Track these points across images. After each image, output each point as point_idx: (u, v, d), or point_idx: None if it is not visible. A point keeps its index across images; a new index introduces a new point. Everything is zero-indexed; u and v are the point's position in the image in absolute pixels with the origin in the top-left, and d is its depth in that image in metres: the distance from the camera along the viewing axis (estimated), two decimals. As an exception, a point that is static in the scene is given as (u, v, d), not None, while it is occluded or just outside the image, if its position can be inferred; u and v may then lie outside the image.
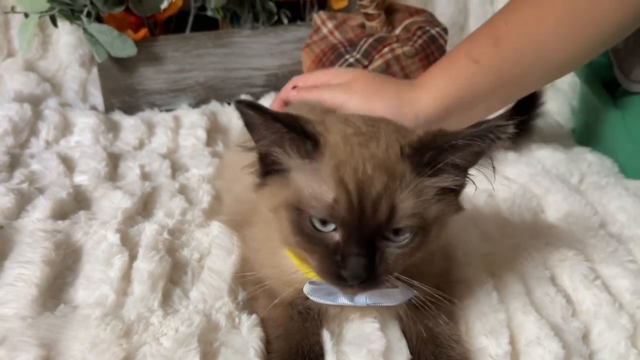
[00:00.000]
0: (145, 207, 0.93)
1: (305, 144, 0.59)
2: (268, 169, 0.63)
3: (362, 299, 0.64)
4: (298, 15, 1.49)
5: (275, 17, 1.44)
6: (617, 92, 1.20)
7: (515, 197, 0.99)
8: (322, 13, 1.32)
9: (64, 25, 1.43)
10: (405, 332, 0.68)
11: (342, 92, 0.97)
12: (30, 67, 1.51)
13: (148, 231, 0.82)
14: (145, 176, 1.07)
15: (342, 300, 0.64)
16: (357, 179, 0.57)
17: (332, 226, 0.58)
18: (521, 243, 0.85)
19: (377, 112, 0.83)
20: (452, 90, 0.96)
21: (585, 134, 1.31)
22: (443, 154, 0.58)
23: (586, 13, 0.90)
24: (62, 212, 0.87)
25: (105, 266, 0.73)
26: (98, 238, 0.80)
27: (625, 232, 0.91)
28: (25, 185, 0.95)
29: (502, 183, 1.04)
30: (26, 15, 1.31)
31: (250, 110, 0.58)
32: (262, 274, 0.71)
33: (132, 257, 0.76)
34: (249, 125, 0.60)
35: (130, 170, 1.08)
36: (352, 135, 0.61)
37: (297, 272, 0.67)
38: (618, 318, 0.73)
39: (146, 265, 0.73)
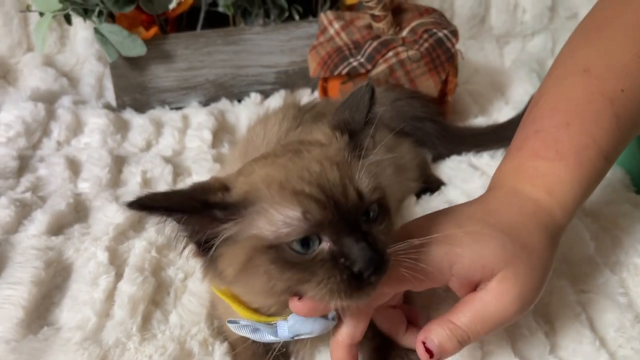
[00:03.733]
0: (140, 218, 0.95)
1: (230, 200, 0.55)
2: (206, 247, 0.57)
3: (285, 332, 0.62)
4: (310, 11, 1.47)
5: (287, 14, 1.42)
6: None
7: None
8: (329, 13, 1.30)
9: (79, 20, 1.45)
10: None
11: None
12: (48, 61, 1.54)
13: (137, 248, 0.84)
14: (146, 183, 1.10)
15: (268, 337, 0.63)
16: (309, 179, 0.55)
17: (316, 243, 0.54)
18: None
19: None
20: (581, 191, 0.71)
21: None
22: (363, 132, 0.61)
23: None
24: (58, 225, 0.90)
25: (91, 287, 0.76)
26: (88, 255, 0.83)
27: (622, 259, 0.88)
28: (28, 195, 0.98)
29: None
30: (41, 14, 1.34)
31: (158, 214, 0.54)
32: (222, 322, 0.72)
33: (118, 276, 0.78)
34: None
35: (132, 177, 1.11)
36: (274, 164, 0.58)
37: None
38: (597, 357, 0.72)
39: (128, 288, 0.76)
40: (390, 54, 1.18)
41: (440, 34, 1.19)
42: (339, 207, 0.54)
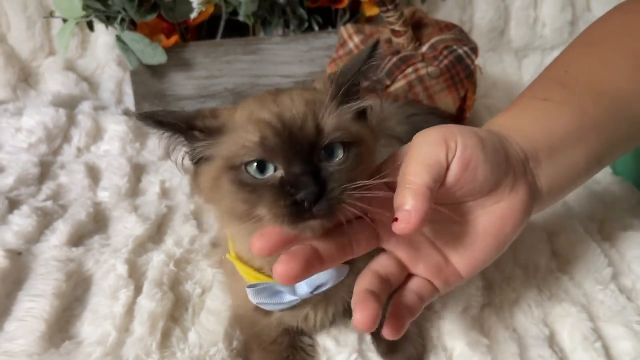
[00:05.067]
0: (158, 229, 0.97)
1: (212, 125, 0.62)
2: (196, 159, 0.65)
3: (304, 289, 0.68)
4: (329, 22, 1.47)
5: (306, 24, 1.43)
6: None
7: (529, 238, 0.96)
8: (349, 26, 1.30)
9: (101, 26, 1.46)
10: None
11: None
12: (69, 66, 1.56)
13: (155, 261, 0.85)
14: (164, 192, 1.11)
15: (287, 297, 0.68)
16: (276, 111, 0.61)
17: (271, 169, 0.60)
18: (523, 295, 0.84)
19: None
20: (534, 134, 0.70)
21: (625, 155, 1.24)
22: (352, 81, 0.63)
23: None
24: (79, 235, 0.92)
25: (111, 300, 0.78)
26: (108, 268, 0.84)
27: (638, 286, 0.88)
28: (49, 203, 1.00)
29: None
30: (64, 20, 1.36)
31: (151, 125, 0.61)
32: (234, 303, 0.79)
33: (138, 290, 0.80)
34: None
35: (151, 186, 1.12)
36: (257, 103, 0.64)
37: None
38: (612, 386, 0.72)
39: (148, 304, 0.77)
40: (410, 70, 1.18)
41: (460, 51, 1.19)
42: (293, 138, 0.59)
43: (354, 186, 0.59)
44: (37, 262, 0.84)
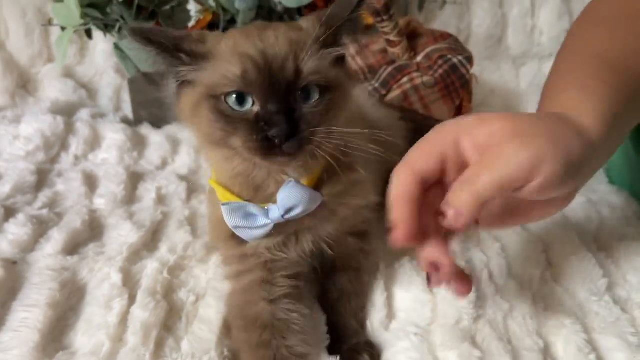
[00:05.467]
0: (153, 236, 0.97)
1: (198, 50, 0.65)
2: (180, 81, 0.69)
3: (276, 212, 0.71)
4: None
5: (303, 32, 1.43)
6: None
7: (524, 249, 0.96)
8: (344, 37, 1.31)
9: (99, 33, 1.47)
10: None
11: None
12: (68, 73, 1.57)
13: (149, 269, 0.85)
14: (160, 199, 1.11)
15: (260, 220, 0.72)
16: (259, 47, 0.63)
17: (249, 103, 0.64)
18: (517, 306, 0.84)
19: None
20: (607, 109, 0.65)
21: (621, 160, 1.24)
22: (339, 27, 0.67)
23: None
24: (74, 244, 0.92)
25: (105, 310, 0.77)
26: (102, 276, 0.84)
27: (633, 297, 0.88)
28: (45, 212, 1.00)
29: (516, 230, 1.02)
30: (63, 28, 1.36)
31: (139, 41, 0.63)
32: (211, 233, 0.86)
33: (132, 299, 0.80)
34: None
35: (147, 193, 1.12)
36: (249, 29, 0.68)
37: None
38: (604, 400, 0.72)
39: (141, 313, 0.77)
40: (405, 79, 1.18)
41: (455, 60, 1.20)
42: (273, 75, 0.63)
43: (326, 130, 0.65)
44: (32, 271, 0.84)
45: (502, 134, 0.57)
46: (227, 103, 0.64)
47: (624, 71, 0.71)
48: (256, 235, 0.75)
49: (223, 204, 0.73)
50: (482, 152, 0.58)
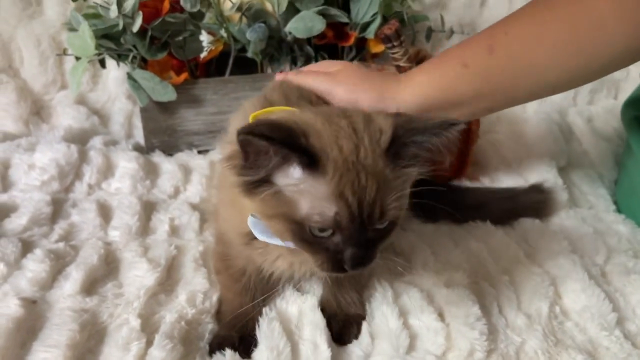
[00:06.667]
0: (168, 275, 0.98)
1: (304, 161, 0.64)
2: (257, 182, 0.67)
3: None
4: (335, 58, 1.50)
5: (313, 61, 1.45)
6: None
7: (533, 283, 0.97)
8: (356, 63, 1.33)
9: (112, 61, 1.50)
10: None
11: (329, 81, 0.96)
12: (81, 99, 1.59)
13: (167, 319, 0.86)
14: (173, 230, 1.13)
15: (277, 240, 0.74)
16: (355, 191, 0.64)
17: (330, 232, 0.66)
18: (528, 341, 0.85)
19: (361, 102, 0.89)
20: (434, 89, 0.91)
21: (629, 189, 1.26)
22: (409, 148, 0.67)
23: (588, 34, 0.85)
24: (91, 281, 0.93)
25: (123, 352, 0.79)
26: (121, 321, 0.85)
27: (644, 332, 0.89)
28: (61, 245, 1.01)
29: (523, 263, 1.03)
30: (77, 58, 1.39)
31: (261, 140, 0.60)
32: (223, 227, 0.87)
33: (149, 343, 0.81)
34: (247, 150, 0.63)
35: (161, 224, 1.14)
36: (342, 140, 0.66)
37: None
38: None
39: (159, 354, 0.78)
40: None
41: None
42: (362, 222, 0.66)
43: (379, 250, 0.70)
44: (52, 311, 0.85)
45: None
46: (310, 231, 0.66)
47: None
48: (270, 242, 0.77)
49: (252, 215, 0.74)
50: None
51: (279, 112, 0.77)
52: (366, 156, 0.66)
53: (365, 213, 0.65)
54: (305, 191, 0.65)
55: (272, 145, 0.61)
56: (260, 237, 0.75)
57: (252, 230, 0.75)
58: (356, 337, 0.86)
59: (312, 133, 0.65)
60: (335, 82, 0.95)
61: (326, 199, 0.64)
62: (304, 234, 0.67)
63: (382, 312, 0.87)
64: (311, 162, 0.64)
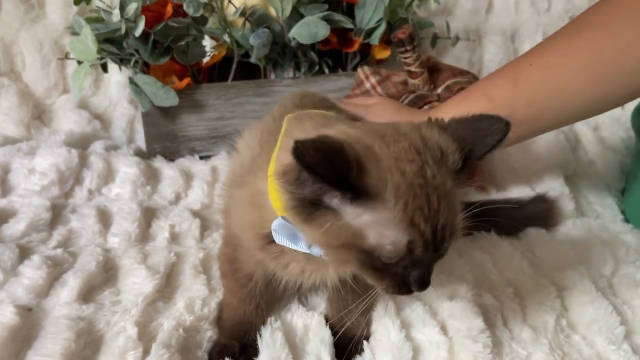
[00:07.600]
0: (168, 282, 0.96)
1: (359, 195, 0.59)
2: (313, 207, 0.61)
3: (317, 250, 0.68)
4: (339, 65, 1.49)
5: (317, 67, 1.44)
6: None
7: (539, 294, 0.95)
8: (366, 68, 1.32)
9: (114, 66, 1.49)
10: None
11: (366, 113, 1.04)
12: (83, 104, 1.59)
13: (165, 327, 0.84)
14: (174, 237, 1.11)
15: (301, 246, 0.69)
16: (427, 217, 0.60)
17: (401, 257, 0.62)
18: (534, 354, 0.83)
19: None
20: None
21: (636, 199, 1.24)
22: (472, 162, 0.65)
23: (613, 63, 0.85)
24: (88, 288, 0.91)
25: (119, 360, 0.77)
26: (118, 330, 0.83)
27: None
28: (59, 252, 1.00)
29: (529, 274, 1.01)
30: (79, 62, 1.38)
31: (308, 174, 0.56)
32: (236, 226, 0.80)
33: (146, 352, 0.79)
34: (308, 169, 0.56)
35: (161, 231, 1.12)
36: (405, 164, 0.60)
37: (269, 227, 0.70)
38: None
39: (155, 362, 0.76)
40: (426, 107, 1.19)
41: (472, 96, 1.20)
42: (435, 247, 0.62)
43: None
44: (48, 319, 0.83)
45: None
46: (379, 259, 0.62)
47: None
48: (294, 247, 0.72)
49: (283, 217, 0.68)
50: None
51: (337, 125, 0.70)
52: (434, 176, 0.61)
53: (438, 238, 0.62)
54: (370, 221, 0.60)
55: (319, 184, 0.57)
56: (281, 240, 0.70)
57: (275, 233, 0.70)
58: (359, 354, 0.83)
59: (369, 158, 0.60)
60: (372, 114, 1.02)
61: (396, 228, 0.60)
62: (373, 262, 0.63)
63: (383, 325, 0.85)
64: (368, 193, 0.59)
